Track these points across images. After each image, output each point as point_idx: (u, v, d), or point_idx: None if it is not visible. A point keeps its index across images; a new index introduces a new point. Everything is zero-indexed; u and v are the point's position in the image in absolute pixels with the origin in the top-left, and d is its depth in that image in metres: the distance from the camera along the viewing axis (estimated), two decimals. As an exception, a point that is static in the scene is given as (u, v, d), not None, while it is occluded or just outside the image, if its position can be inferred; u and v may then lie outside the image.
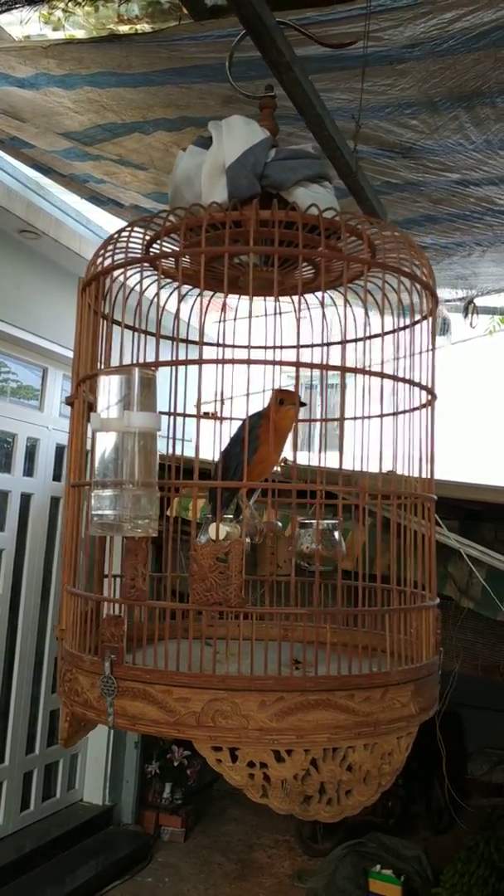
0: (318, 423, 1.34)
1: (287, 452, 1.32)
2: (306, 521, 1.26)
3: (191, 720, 0.92)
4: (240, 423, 1.27)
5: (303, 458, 1.42)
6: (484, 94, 2.31)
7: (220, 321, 1.04)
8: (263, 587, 1.29)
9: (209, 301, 1.28)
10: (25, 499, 4.06)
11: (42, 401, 4.22)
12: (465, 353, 5.04)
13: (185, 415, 1.16)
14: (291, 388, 1.20)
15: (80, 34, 2.54)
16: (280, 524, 1.34)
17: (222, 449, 1.24)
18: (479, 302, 3.94)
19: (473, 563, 2.64)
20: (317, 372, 1.04)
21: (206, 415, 1.29)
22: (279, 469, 2.11)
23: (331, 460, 1.11)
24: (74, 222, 3.84)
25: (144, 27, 2.48)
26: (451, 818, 4.43)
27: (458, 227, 3.25)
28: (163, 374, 1.01)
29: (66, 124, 2.75)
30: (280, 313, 1.26)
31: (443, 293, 3.89)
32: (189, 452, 1.24)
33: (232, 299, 1.31)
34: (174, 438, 0.99)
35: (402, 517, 1.12)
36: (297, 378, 1.05)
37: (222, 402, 1.19)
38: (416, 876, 3.65)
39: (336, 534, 1.26)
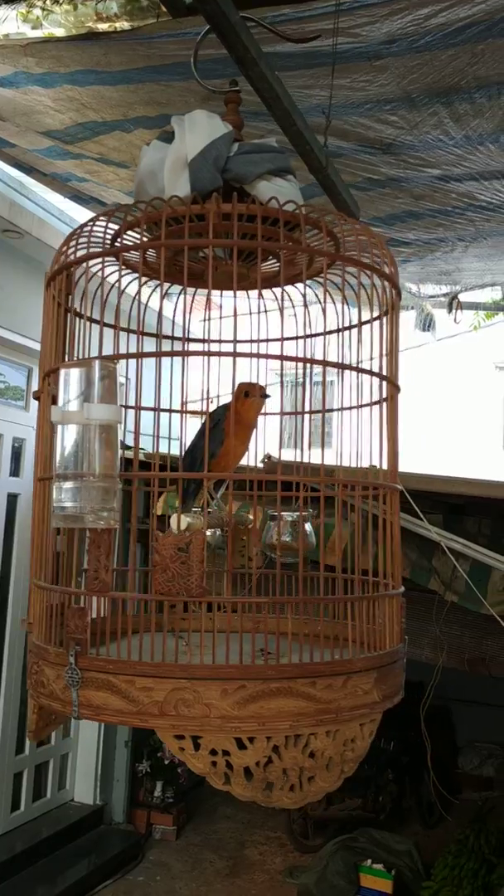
0: (292, 418, 1.34)
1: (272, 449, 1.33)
2: (275, 513, 1.26)
3: (153, 709, 0.92)
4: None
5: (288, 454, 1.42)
6: (462, 90, 2.32)
7: (185, 315, 1.05)
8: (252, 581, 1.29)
9: (191, 299, 1.28)
10: (12, 499, 4.05)
11: (28, 401, 4.22)
12: (450, 348, 5.06)
13: (151, 408, 1.17)
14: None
15: (58, 32, 2.53)
16: (251, 518, 1.35)
17: (188, 443, 1.24)
18: (463, 297, 3.95)
19: (457, 557, 2.65)
20: (289, 368, 1.05)
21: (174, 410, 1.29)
22: (262, 465, 2.12)
23: (315, 456, 1.12)
24: (58, 221, 3.84)
25: (123, 25, 2.47)
26: (441, 812, 4.45)
27: (440, 222, 3.25)
28: (148, 370, 1.01)
29: (47, 123, 2.76)
30: (251, 312, 1.27)
31: (426, 289, 3.90)
32: (171, 449, 1.25)
33: (217, 297, 1.32)
34: (137, 433, 1.00)
35: (366, 504, 1.13)
36: (258, 371, 1.06)
37: (186, 399, 1.20)
38: (407, 870, 3.67)
39: (307, 525, 1.27)
